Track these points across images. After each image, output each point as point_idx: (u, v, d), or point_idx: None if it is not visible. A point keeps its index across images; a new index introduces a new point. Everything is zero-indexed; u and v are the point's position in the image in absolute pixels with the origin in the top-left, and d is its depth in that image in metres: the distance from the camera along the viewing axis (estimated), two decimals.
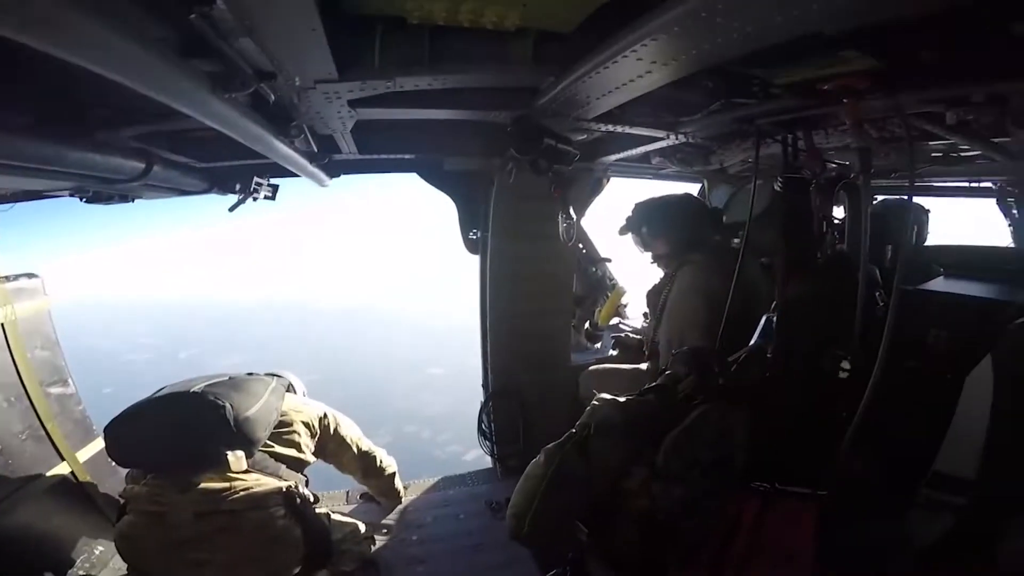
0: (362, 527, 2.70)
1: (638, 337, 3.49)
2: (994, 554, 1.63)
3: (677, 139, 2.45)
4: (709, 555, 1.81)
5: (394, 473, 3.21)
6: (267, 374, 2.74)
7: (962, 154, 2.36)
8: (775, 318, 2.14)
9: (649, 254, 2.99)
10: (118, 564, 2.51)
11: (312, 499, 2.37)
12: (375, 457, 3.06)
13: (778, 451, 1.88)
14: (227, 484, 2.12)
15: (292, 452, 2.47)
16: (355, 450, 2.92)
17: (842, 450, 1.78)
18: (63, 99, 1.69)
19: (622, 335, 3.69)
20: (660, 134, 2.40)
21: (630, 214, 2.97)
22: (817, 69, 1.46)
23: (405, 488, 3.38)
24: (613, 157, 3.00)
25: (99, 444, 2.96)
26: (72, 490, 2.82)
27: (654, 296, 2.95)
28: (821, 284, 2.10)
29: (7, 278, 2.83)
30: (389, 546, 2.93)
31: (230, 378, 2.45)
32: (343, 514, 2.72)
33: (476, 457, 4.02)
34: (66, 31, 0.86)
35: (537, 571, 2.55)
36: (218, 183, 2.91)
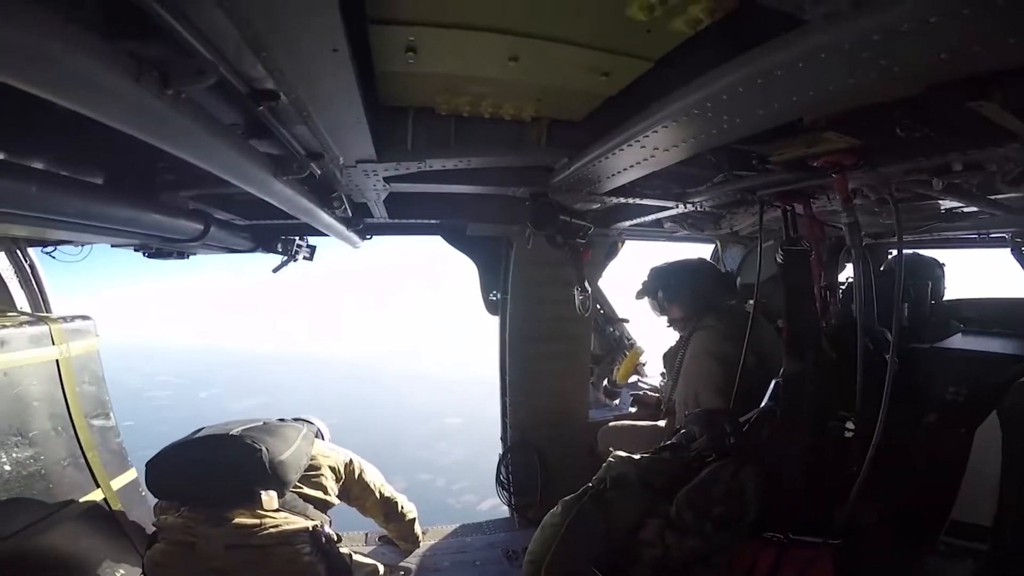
0: (381, 568, 2.72)
1: (656, 395, 3.51)
2: None
3: (686, 207, 2.57)
4: None
5: (414, 519, 3.26)
6: (296, 419, 2.86)
7: (964, 210, 2.40)
8: (783, 383, 2.19)
9: (665, 318, 3.05)
10: None
11: (336, 538, 2.41)
12: (396, 503, 3.14)
13: (790, 504, 1.91)
14: (258, 521, 2.20)
15: (319, 494, 2.57)
16: (378, 495, 3.01)
17: (851, 501, 1.81)
18: (132, 162, 1.90)
19: (640, 392, 3.73)
20: (670, 204, 2.50)
21: (646, 279, 3.06)
22: (805, 147, 1.57)
23: (424, 533, 3.40)
24: (627, 223, 3.12)
25: (132, 475, 3.14)
26: (103, 516, 2.95)
27: (670, 358, 3.00)
28: (826, 351, 2.16)
29: (64, 319, 3.04)
30: None
31: (264, 423, 2.58)
32: (363, 555, 2.75)
33: (491, 507, 4.01)
34: (148, 118, 1.04)
35: None
36: (262, 242, 3.18)
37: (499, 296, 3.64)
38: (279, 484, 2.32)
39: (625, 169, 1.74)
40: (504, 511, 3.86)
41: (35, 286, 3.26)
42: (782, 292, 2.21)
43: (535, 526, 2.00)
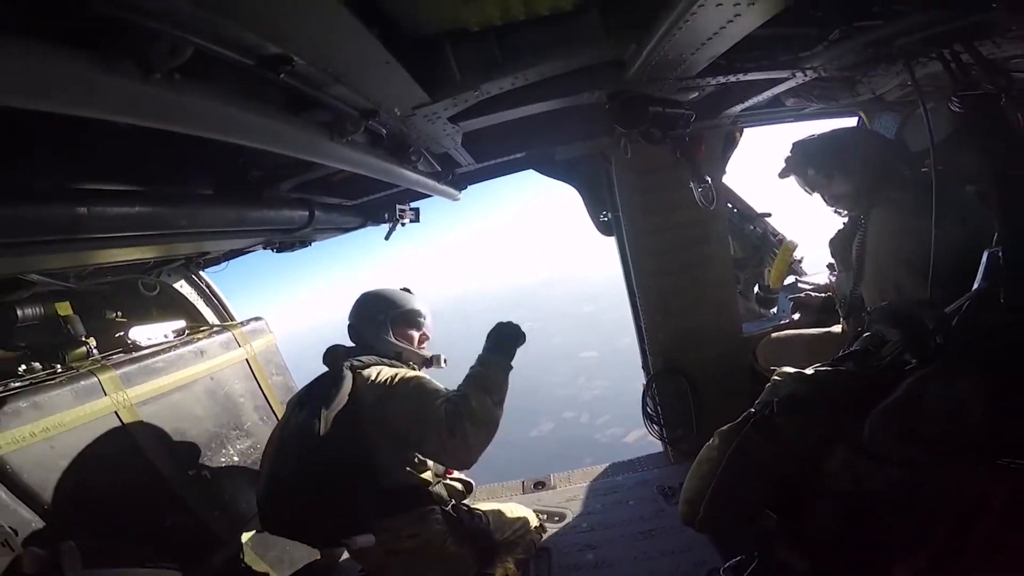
0: (532, 517, 2.70)
1: (822, 295, 2.98)
2: None
3: (805, 75, 2.10)
4: (938, 545, 1.44)
5: None
6: None
7: None
8: (1001, 253, 1.62)
9: (818, 196, 2.51)
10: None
11: (465, 508, 2.33)
12: None
13: None
14: None
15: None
16: None
17: None
18: (230, 165, 2.00)
19: (802, 295, 3.18)
20: (782, 75, 2.08)
21: (789, 155, 2.53)
22: None
23: (571, 475, 3.43)
24: (738, 107, 2.61)
25: None
26: None
27: (842, 242, 2.43)
28: None
29: (242, 323, 3.56)
30: (560, 533, 3.01)
31: None
32: (518, 503, 2.77)
33: (637, 438, 3.96)
34: (205, 118, 1.04)
35: (718, 557, 2.38)
36: (370, 216, 3.28)
37: (609, 215, 3.36)
38: None
39: (709, 39, 1.42)
40: (654, 443, 3.67)
41: (216, 301, 3.80)
42: (980, 142, 1.71)
43: (690, 459, 1.79)
